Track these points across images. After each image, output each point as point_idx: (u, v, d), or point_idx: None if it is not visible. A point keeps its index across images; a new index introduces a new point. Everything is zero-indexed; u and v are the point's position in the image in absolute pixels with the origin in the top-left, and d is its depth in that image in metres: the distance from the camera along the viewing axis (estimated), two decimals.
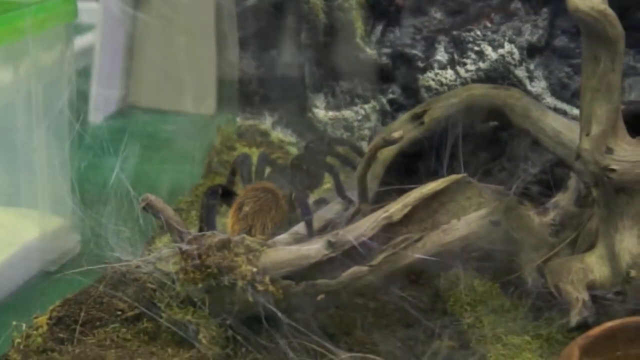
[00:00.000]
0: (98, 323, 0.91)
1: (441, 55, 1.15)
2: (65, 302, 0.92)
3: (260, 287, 0.83)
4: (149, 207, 0.90)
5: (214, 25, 1.28)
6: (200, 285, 0.84)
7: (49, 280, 1.03)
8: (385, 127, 1.15)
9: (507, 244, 0.95)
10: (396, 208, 0.89)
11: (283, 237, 0.96)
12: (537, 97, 1.12)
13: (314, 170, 1.05)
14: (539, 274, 0.95)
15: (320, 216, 1.02)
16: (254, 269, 0.84)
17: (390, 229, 0.88)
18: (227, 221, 1.01)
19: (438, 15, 1.15)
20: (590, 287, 0.91)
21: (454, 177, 0.93)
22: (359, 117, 1.18)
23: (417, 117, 1.11)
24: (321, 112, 1.19)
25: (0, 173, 1.07)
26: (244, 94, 1.24)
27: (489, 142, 1.12)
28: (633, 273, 0.89)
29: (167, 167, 1.30)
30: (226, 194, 1.03)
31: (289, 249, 0.86)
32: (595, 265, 0.92)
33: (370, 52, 1.17)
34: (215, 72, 1.32)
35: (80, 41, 1.61)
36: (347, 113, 1.18)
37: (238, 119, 1.25)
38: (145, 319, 0.88)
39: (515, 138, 1.07)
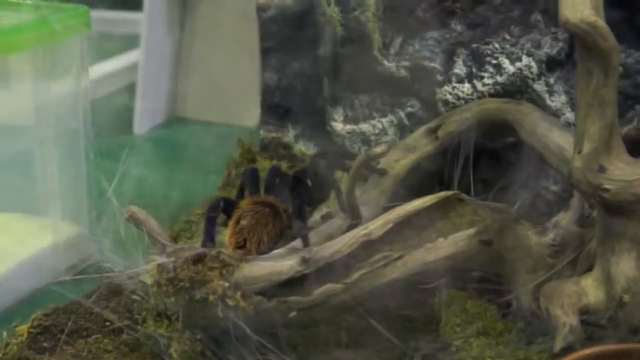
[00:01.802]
0: (85, 333, 0.91)
1: (459, 69, 1.12)
2: (54, 311, 0.93)
3: (230, 302, 0.82)
4: (131, 219, 0.90)
5: (258, 36, 1.27)
6: (172, 299, 0.84)
7: (53, 290, 1.04)
8: (401, 141, 1.13)
9: (501, 264, 0.92)
10: (377, 225, 0.87)
11: (279, 252, 0.95)
12: (556, 112, 1.07)
13: (317, 184, 1.03)
14: (534, 297, 0.91)
15: (322, 231, 1.01)
16: (226, 284, 0.83)
17: (369, 246, 0.86)
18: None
19: (458, 27, 1.12)
20: (584, 311, 0.87)
21: (443, 193, 0.91)
22: (376, 131, 1.16)
23: (432, 132, 1.08)
24: (339, 125, 1.17)
25: (13, 181, 1.08)
26: (267, 106, 1.24)
27: (504, 158, 1.08)
28: (626, 298, 0.85)
29: (199, 178, 1.30)
30: (229, 206, 1.02)
31: (264, 265, 0.85)
32: (590, 288, 0.88)
33: (389, 64, 1.14)
34: (259, 84, 1.32)
35: (130, 55, 1.64)
36: (364, 126, 1.17)
37: (261, 132, 1.24)
38: (126, 332, 0.88)
39: (527, 154, 1.03)
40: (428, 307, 0.93)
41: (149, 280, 0.86)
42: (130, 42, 1.62)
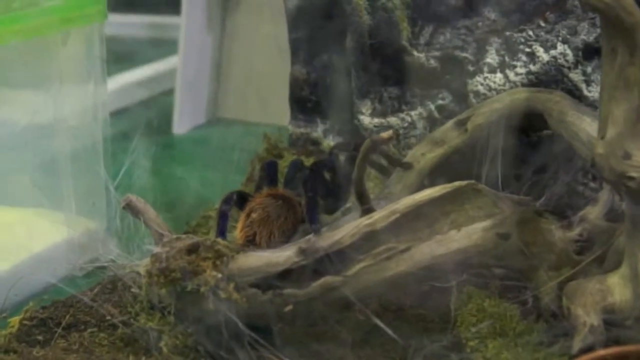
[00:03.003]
0: (82, 327, 0.88)
1: (492, 58, 1.06)
2: (54, 304, 0.90)
3: (223, 295, 0.78)
4: (129, 208, 0.86)
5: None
6: (164, 290, 0.79)
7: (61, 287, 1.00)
8: (430, 134, 1.07)
9: (521, 260, 0.85)
10: (381, 215, 0.81)
11: (287, 246, 0.90)
12: (593, 103, 1.00)
13: (337, 177, 0.98)
14: (556, 295, 0.84)
15: (339, 226, 0.95)
16: (219, 275, 0.78)
17: (372, 237, 0.80)
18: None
19: (492, 15, 1.06)
20: (609, 310, 0.80)
21: (457, 183, 0.85)
22: (405, 125, 1.10)
23: (461, 124, 1.03)
24: (367, 118, 1.12)
25: (25, 174, 1.06)
26: (296, 100, 1.19)
27: (536, 151, 1.01)
28: None
29: (230, 176, 1.27)
30: (243, 200, 0.98)
31: (260, 255, 0.80)
32: (616, 286, 0.81)
33: (418, 55, 1.09)
34: (289, 87, 1.28)
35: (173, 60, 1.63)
36: (392, 120, 1.11)
37: (290, 127, 1.19)
38: (121, 325, 0.84)
39: (560, 146, 0.97)
40: (442, 305, 0.87)
41: (142, 271, 0.82)
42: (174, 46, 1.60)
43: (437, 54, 1.10)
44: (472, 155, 1.01)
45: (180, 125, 1.51)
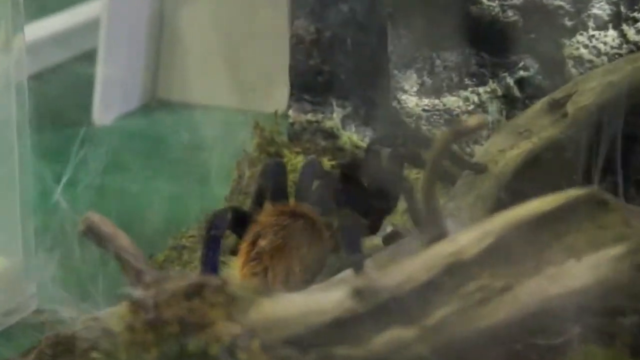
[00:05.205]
0: None
1: (600, 8, 1.13)
2: None
3: (242, 357, 0.84)
4: (90, 234, 0.92)
5: None
6: (153, 353, 0.85)
7: None
8: (509, 121, 1.14)
9: None
10: (470, 239, 0.88)
11: (318, 288, 0.96)
12: None
13: (376, 187, 1.05)
14: None
15: (387, 257, 1.02)
16: (236, 328, 0.84)
17: (458, 271, 0.87)
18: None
19: None
20: None
21: (573, 192, 0.91)
22: (470, 107, 1.17)
23: (557, 107, 1.09)
24: (411, 98, 1.18)
25: None
26: (300, 73, 1.25)
27: None
28: None
29: (191, 188, 1.32)
30: (241, 221, 1.04)
31: (295, 300, 0.86)
32: None
33: (489, 3, 1.16)
34: (289, 53, 1.33)
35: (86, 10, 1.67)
36: (450, 100, 1.18)
37: (290, 113, 1.25)
38: None
39: None
40: None
41: (117, 326, 0.87)
42: None
43: (517, 1, 1.17)
44: (575, 152, 1.08)
45: (104, 112, 1.55)
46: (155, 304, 0.87)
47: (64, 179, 1.16)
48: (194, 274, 0.90)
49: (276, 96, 1.42)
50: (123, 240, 0.93)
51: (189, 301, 0.87)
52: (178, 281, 0.89)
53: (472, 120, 0.90)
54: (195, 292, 0.87)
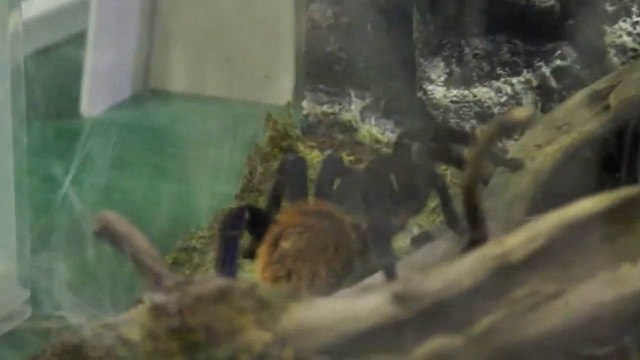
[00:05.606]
0: None
1: None
2: None
3: None
4: (105, 234, 0.92)
5: None
6: None
7: None
8: (546, 114, 1.15)
9: None
10: (518, 241, 0.88)
11: (346, 292, 0.97)
12: None
13: (407, 185, 1.05)
14: None
15: (417, 261, 1.03)
16: (268, 336, 0.85)
17: (506, 274, 0.87)
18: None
19: None
20: None
21: (625, 192, 0.92)
22: (503, 99, 1.18)
23: (599, 99, 1.10)
24: (439, 89, 1.19)
25: None
26: (314, 61, 1.25)
27: None
28: None
29: (193, 186, 1.33)
30: (259, 221, 1.05)
31: (330, 306, 0.87)
32: None
33: None
34: (293, 40, 1.34)
35: None
36: (481, 91, 1.18)
37: (304, 104, 1.26)
38: None
39: None
40: None
41: (134, 333, 0.88)
42: None
43: None
44: (619, 147, 1.09)
45: (93, 103, 1.56)
46: (180, 310, 0.87)
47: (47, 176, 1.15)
48: (218, 277, 0.90)
49: (277, 86, 1.42)
50: (140, 241, 0.93)
51: (215, 306, 0.87)
52: (202, 285, 0.89)
53: (519, 113, 0.91)
54: (222, 296, 0.88)
